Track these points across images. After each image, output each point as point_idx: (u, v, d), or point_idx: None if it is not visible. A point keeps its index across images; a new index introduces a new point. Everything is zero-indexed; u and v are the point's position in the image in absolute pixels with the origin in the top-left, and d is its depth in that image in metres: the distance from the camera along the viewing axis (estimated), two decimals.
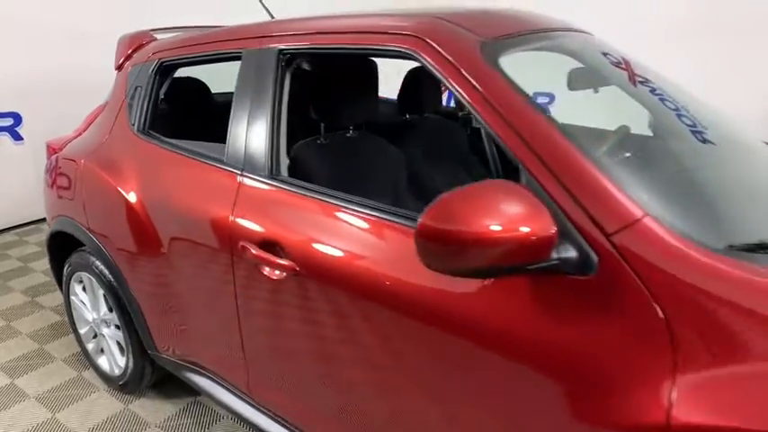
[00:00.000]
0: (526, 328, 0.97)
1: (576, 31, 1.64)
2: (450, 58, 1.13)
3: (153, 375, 2.09)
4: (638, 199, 0.94)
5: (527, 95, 1.08)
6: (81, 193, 1.99)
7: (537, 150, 1.00)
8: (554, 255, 0.91)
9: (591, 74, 1.57)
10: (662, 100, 1.47)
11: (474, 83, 1.09)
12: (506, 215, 0.87)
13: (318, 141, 1.64)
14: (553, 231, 0.88)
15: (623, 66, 1.56)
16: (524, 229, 0.87)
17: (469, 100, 1.09)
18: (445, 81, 1.13)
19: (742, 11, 4.11)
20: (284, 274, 1.30)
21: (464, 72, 1.11)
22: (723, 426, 0.78)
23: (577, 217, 0.94)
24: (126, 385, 2.14)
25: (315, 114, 1.60)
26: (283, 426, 1.55)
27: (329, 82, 1.59)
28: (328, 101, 1.59)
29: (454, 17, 1.27)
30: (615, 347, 0.89)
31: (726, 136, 1.43)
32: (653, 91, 1.53)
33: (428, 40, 1.17)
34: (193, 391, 2.15)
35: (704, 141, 1.33)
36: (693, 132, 1.36)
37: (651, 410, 0.84)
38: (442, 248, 0.88)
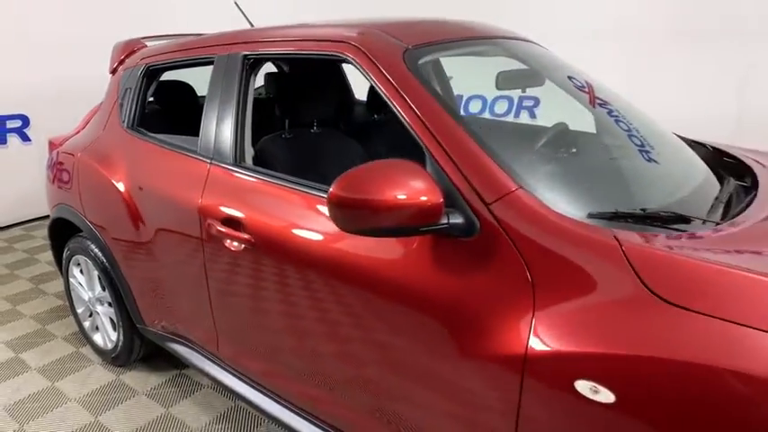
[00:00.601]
0: (423, 279, 1.18)
1: (514, 38, 1.86)
2: (375, 62, 1.35)
3: (141, 349, 2.31)
4: (513, 175, 1.15)
5: (437, 93, 1.30)
6: (78, 183, 2.24)
7: (437, 137, 1.22)
8: (444, 220, 1.12)
9: (518, 74, 1.77)
10: (578, 87, 1.69)
11: (394, 83, 1.31)
12: (407, 186, 1.08)
13: (283, 136, 1.87)
14: (441, 200, 1.10)
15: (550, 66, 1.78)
16: (423, 198, 1.09)
17: (389, 96, 1.31)
18: (372, 81, 1.35)
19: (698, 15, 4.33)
20: (242, 246, 1.52)
21: (386, 74, 1.33)
22: (563, 351, 0.99)
23: (465, 190, 1.15)
24: (117, 358, 2.37)
25: (278, 112, 1.83)
26: (252, 386, 1.76)
27: (290, 83, 1.82)
28: (289, 100, 1.82)
29: (387, 27, 1.49)
30: (490, 294, 1.10)
31: (625, 127, 1.64)
32: (581, 88, 1.74)
33: (359, 47, 1.39)
34: (179, 363, 2.39)
35: (599, 131, 1.55)
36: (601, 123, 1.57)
37: (514, 343, 1.05)
38: (352, 213, 1.09)
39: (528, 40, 1.93)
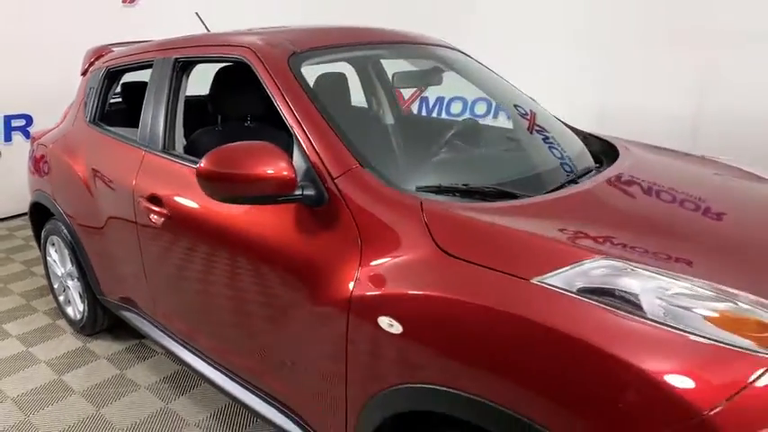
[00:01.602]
0: (286, 241, 1.43)
1: (424, 44, 2.10)
2: (264, 64, 1.61)
3: (104, 318, 2.59)
4: (356, 155, 1.39)
5: (309, 90, 1.55)
6: (50, 171, 2.54)
7: (303, 125, 1.47)
8: (297, 191, 1.37)
9: (413, 74, 2.02)
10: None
11: (276, 81, 1.56)
12: (265, 163, 1.33)
13: (216, 129, 2.14)
14: (294, 176, 1.34)
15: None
16: (278, 173, 1.33)
17: (272, 92, 1.56)
18: (261, 80, 1.60)
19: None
20: (162, 219, 1.79)
21: (271, 73, 1.58)
22: (371, 294, 1.22)
23: (319, 167, 1.40)
24: (84, 327, 2.66)
25: (210, 107, 2.10)
26: (180, 344, 2.03)
27: (217, 83, 2.08)
28: (221, 98, 2.09)
29: (284, 33, 1.76)
30: (332, 252, 1.34)
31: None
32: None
33: (253, 51, 1.65)
34: (139, 334, 2.67)
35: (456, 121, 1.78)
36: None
37: (344, 289, 1.29)
38: (217, 184, 1.35)
39: (440, 45, 2.18)
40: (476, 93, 5.64)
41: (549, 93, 5.18)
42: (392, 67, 2.04)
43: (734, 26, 4.10)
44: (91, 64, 2.61)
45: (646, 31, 4.63)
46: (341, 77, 2.00)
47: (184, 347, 1.99)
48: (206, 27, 2.73)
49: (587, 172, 1.67)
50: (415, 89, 5.91)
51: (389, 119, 1.88)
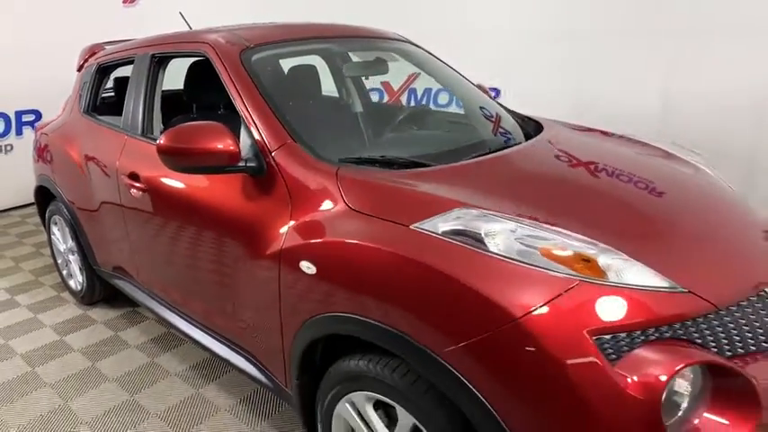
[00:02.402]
0: (235, 206, 1.71)
1: (379, 37, 2.38)
2: (220, 57, 1.89)
3: (101, 289, 2.91)
4: (291, 132, 1.67)
5: (257, 78, 1.82)
6: (50, 158, 2.86)
7: (248, 108, 1.74)
8: (241, 163, 1.64)
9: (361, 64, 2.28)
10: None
11: (229, 72, 1.84)
12: (213, 140, 1.60)
13: (191, 116, 2.42)
14: (237, 150, 1.61)
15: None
16: (223, 147, 1.61)
17: (226, 82, 1.84)
18: (217, 71, 1.88)
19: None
20: (139, 192, 2.09)
21: (225, 65, 1.86)
22: (295, 244, 1.50)
23: (260, 143, 1.67)
24: (84, 297, 2.98)
25: (185, 98, 2.38)
26: (160, 303, 2.33)
27: (189, 75, 2.36)
28: (190, 89, 2.37)
29: (243, 30, 2.03)
30: (269, 214, 1.62)
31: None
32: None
33: (211, 45, 1.93)
34: (134, 303, 2.98)
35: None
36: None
37: (277, 242, 1.56)
38: (174, 156, 1.62)
39: (393, 38, 2.45)
40: (431, 83, 5.87)
41: (529, 81, 5.42)
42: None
43: (699, 18, 4.29)
44: (85, 60, 2.91)
45: (620, 23, 4.84)
46: (309, 68, 2.27)
47: (162, 305, 2.29)
48: (188, 25, 3.02)
49: (507, 146, 1.93)
50: (405, 81, 6.17)
51: (330, 103, 2.15)
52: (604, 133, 2.26)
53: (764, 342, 1.25)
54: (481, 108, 2.46)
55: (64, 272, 3.15)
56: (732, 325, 1.22)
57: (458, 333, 1.17)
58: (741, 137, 4.01)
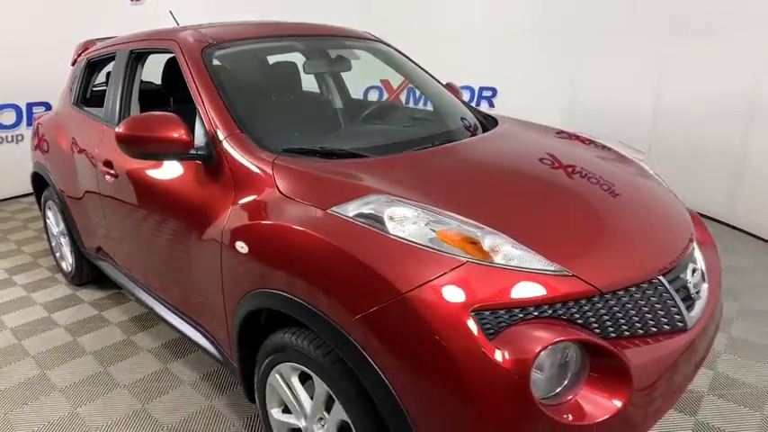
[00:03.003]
0: (188, 191, 1.85)
1: (348, 36, 2.50)
2: (183, 53, 2.02)
3: (89, 270, 3.08)
4: (238, 124, 1.79)
5: (214, 74, 1.95)
6: (44, 146, 3.04)
7: (203, 100, 1.88)
8: (192, 151, 1.78)
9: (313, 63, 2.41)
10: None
11: (189, 67, 1.98)
12: (166, 129, 1.74)
13: (168, 109, 2.56)
14: (189, 139, 1.75)
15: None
16: (176, 136, 1.74)
17: (186, 76, 1.97)
18: (180, 66, 2.02)
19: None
20: (112, 178, 2.24)
21: (187, 61, 2.00)
22: (233, 226, 1.62)
23: (211, 133, 1.81)
24: (74, 278, 3.17)
25: (163, 91, 2.53)
26: (130, 279, 2.49)
27: (165, 71, 2.51)
28: (166, 83, 2.52)
29: (211, 28, 2.17)
30: (215, 197, 1.75)
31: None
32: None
33: (177, 42, 2.07)
34: (118, 286, 3.15)
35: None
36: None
37: (220, 224, 1.69)
38: (130, 144, 1.76)
39: (362, 37, 2.57)
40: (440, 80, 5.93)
41: (524, 81, 5.48)
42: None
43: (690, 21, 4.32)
44: (79, 55, 3.09)
45: (607, 23, 4.87)
46: (265, 64, 2.40)
47: (136, 284, 2.45)
48: (177, 24, 3.17)
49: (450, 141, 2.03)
50: (404, 81, 6.28)
51: (286, 97, 2.28)
52: (554, 131, 2.34)
53: (649, 326, 1.34)
54: (444, 105, 2.56)
55: (57, 254, 3.35)
56: (617, 308, 1.30)
57: (356, 306, 1.28)
58: (729, 137, 4.02)
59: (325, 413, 1.50)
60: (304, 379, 1.58)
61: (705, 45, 4.12)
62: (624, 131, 4.88)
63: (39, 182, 3.26)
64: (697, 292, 1.51)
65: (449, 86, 2.84)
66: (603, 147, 2.14)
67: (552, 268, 1.28)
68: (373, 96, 5.98)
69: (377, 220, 1.34)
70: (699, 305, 1.52)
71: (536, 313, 1.22)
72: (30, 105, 5.18)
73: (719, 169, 4.13)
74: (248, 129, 1.80)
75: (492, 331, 1.18)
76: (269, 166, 1.65)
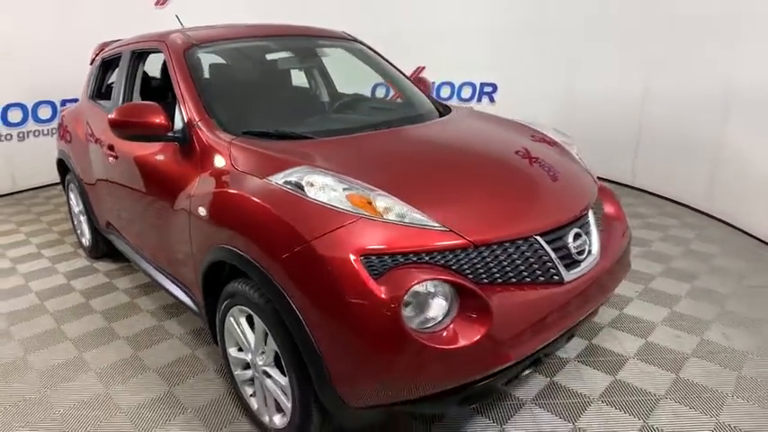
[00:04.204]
0: (168, 168, 2.20)
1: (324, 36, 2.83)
2: (170, 52, 2.38)
3: (103, 244, 3.50)
4: (208, 111, 2.13)
5: (194, 71, 2.30)
6: (66, 135, 3.48)
7: (183, 93, 2.23)
8: (170, 134, 2.13)
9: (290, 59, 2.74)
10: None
11: (175, 67, 2.33)
12: (150, 116, 2.10)
13: (167, 102, 2.95)
14: (167, 124, 2.10)
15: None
16: (162, 122, 2.10)
17: (171, 73, 2.33)
18: (167, 64, 2.38)
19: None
20: (114, 159, 2.63)
21: (172, 59, 2.35)
22: (195, 193, 1.97)
23: (186, 119, 2.15)
24: (91, 251, 3.61)
25: (162, 84, 2.91)
26: (128, 245, 2.88)
27: (164, 67, 2.88)
28: (163, 77, 2.90)
29: (195, 30, 2.52)
30: (186, 173, 2.10)
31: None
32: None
33: (165, 43, 2.43)
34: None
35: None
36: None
37: (188, 194, 2.04)
38: (122, 127, 2.12)
39: (343, 37, 2.90)
40: (435, 76, 6.20)
41: (522, 77, 5.69)
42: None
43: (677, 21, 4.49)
44: (96, 55, 3.51)
45: (601, 20, 5.05)
46: (242, 62, 2.76)
47: (135, 252, 2.84)
48: (180, 23, 3.56)
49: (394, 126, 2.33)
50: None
51: (251, 89, 2.62)
52: (497, 118, 2.60)
53: (523, 276, 1.61)
54: (408, 97, 2.85)
55: (78, 231, 3.80)
56: (490, 259, 1.57)
57: (276, 254, 1.60)
58: (708, 129, 4.15)
59: (264, 346, 1.82)
60: (251, 322, 1.91)
61: (689, 45, 4.25)
62: (615, 123, 5.05)
63: (62, 167, 3.72)
64: (579, 253, 1.76)
65: (419, 80, 3.13)
66: (534, 131, 2.39)
67: (433, 224, 1.56)
68: (380, 92, 6.30)
69: (298, 186, 1.66)
70: (583, 266, 1.77)
71: (415, 259, 1.51)
72: (63, 102, 5.72)
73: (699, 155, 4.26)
74: (216, 115, 2.14)
75: (377, 272, 1.47)
76: (227, 145, 1.98)
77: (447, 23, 6.09)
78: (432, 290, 1.50)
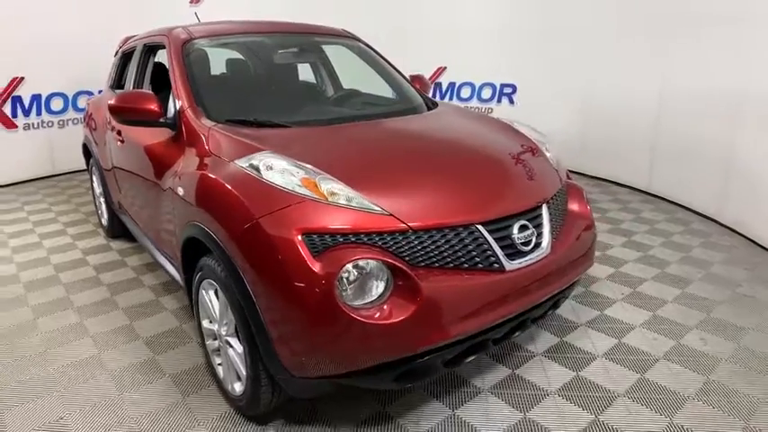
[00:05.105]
0: (162, 151, 2.39)
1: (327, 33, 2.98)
2: (170, 45, 2.57)
3: (118, 224, 3.75)
4: (196, 101, 2.30)
5: (188, 64, 2.47)
6: (90, 122, 3.76)
7: (177, 82, 2.40)
8: (162, 120, 2.31)
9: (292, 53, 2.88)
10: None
11: (173, 59, 2.51)
12: (144, 103, 2.28)
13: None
14: (159, 110, 2.28)
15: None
16: (155, 109, 2.28)
17: (169, 64, 2.51)
18: (167, 57, 2.56)
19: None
20: (122, 142, 2.85)
21: (172, 53, 2.54)
22: (179, 171, 2.13)
23: (179, 107, 2.33)
24: (108, 231, 3.88)
25: None
26: (140, 231, 3.09)
27: None
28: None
29: (196, 26, 2.70)
30: (174, 154, 2.27)
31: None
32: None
33: (167, 37, 2.62)
34: None
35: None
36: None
37: (173, 175, 2.21)
38: (120, 113, 2.31)
39: (343, 35, 3.04)
40: (455, 77, 6.26)
41: (540, 78, 5.71)
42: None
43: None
44: (120, 48, 3.78)
45: (619, 23, 4.99)
46: (238, 56, 2.93)
47: (140, 231, 3.05)
48: (198, 18, 3.78)
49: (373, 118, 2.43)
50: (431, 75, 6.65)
51: (243, 81, 2.78)
52: (477, 115, 2.68)
53: (461, 262, 1.68)
54: (398, 93, 2.94)
55: (99, 212, 4.08)
56: (428, 244, 1.66)
57: (231, 230, 1.73)
58: (720, 136, 4.04)
59: (227, 318, 1.96)
60: (218, 295, 2.05)
61: (703, 51, 4.15)
62: (631, 127, 4.96)
63: (87, 152, 4.01)
64: (525, 245, 1.82)
65: (417, 78, 3.21)
66: (509, 128, 2.44)
67: (375, 208, 1.66)
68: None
69: (257, 169, 1.79)
70: (530, 257, 1.83)
71: (354, 240, 1.61)
72: (100, 92, 6.08)
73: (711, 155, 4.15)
74: (203, 103, 2.31)
75: (317, 250, 1.59)
76: (207, 131, 2.14)
77: (467, 25, 6.13)
78: (367, 269, 1.59)
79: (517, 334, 2.01)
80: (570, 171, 2.60)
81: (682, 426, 1.98)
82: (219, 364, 2.13)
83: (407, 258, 1.63)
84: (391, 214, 1.65)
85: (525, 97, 6.11)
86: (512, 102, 6.25)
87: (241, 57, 2.90)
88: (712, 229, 4.05)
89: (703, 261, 3.44)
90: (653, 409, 2.07)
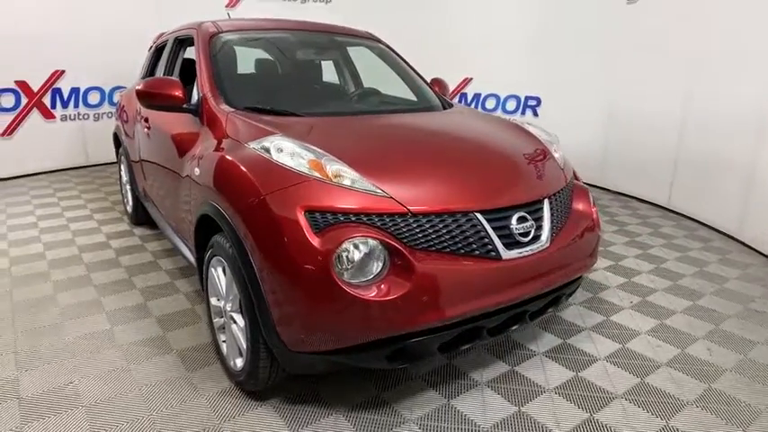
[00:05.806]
0: (183, 133, 2.50)
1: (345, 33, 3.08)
2: (198, 38, 2.70)
3: (142, 211, 3.90)
4: (219, 89, 2.41)
5: (213, 55, 2.59)
6: (123, 115, 3.94)
7: (201, 70, 2.53)
8: (185, 105, 2.42)
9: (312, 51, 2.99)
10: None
11: (200, 49, 2.64)
12: (169, 89, 2.41)
13: None
14: (183, 96, 2.40)
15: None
16: (179, 95, 2.40)
17: (197, 56, 2.64)
18: (195, 49, 2.69)
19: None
20: (149, 130, 2.99)
21: (199, 44, 2.67)
22: (194, 153, 2.23)
23: (203, 95, 2.44)
24: (132, 217, 4.04)
25: None
26: (154, 207, 3.22)
27: None
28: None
29: (222, 21, 2.83)
30: (194, 139, 2.38)
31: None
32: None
33: (197, 30, 2.75)
34: None
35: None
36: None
37: (193, 157, 2.31)
38: (146, 98, 2.43)
39: (366, 36, 3.15)
40: (481, 88, 6.31)
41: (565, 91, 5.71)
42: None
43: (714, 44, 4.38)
44: (154, 43, 3.96)
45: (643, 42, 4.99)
46: (262, 51, 3.05)
47: (161, 217, 3.18)
48: (229, 16, 3.93)
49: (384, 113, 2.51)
50: (457, 85, 6.71)
51: (263, 73, 2.89)
52: (490, 116, 2.74)
53: (459, 247, 1.73)
54: (416, 92, 3.02)
55: (125, 200, 4.25)
56: (427, 227, 1.71)
57: (239, 206, 1.82)
58: (742, 153, 3.98)
59: (232, 293, 2.04)
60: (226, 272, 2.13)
61: (727, 68, 4.11)
62: (653, 143, 4.92)
63: (116, 141, 4.19)
64: (523, 236, 1.85)
65: (437, 81, 3.28)
66: (519, 128, 2.48)
67: (376, 191, 1.72)
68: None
69: (268, 150, 1.87)
70: (528, 248, 1.86)
71: (354, 219, 1.67)
72: None
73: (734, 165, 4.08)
74: (224, 91, 2.42)
75: (318, 227, 1.65)
76: (224, 116, 2.25)
77: (495, 38, 6.19)
78: (365, 247, 1.65)
79: (514, 327, 2.03)
80: (590, 185, 2.62)
81: (677, 429, 1.96)
82: (224, 342, 2.20)
83: (405, 240, 1.68)
84: (391, 197, 1.71)
85: (549, 109, 6.12)
86: (536, 114, 6.26)
87: (265, 51, 3.02)
88: (732, 246, 3.97)
89: (718, 276, 3.39)
90: (650, 411, 2.05)
